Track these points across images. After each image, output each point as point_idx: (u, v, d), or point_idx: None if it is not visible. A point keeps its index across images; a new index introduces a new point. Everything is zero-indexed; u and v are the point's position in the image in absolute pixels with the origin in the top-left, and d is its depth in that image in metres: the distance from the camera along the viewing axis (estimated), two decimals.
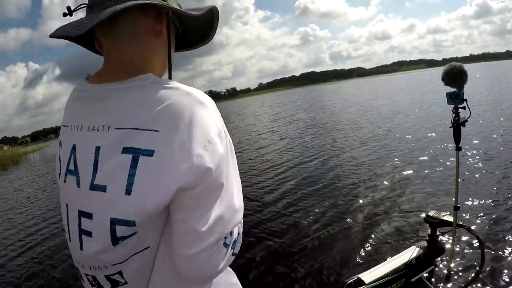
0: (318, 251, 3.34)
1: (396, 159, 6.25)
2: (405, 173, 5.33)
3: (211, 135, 0.56)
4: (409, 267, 2.06)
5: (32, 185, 12.81)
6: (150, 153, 0.52)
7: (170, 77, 0.68)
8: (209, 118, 0.58)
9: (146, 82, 0.57)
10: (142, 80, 0.57)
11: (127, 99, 0.56)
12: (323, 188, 5.24)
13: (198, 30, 0.77)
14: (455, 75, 1.77)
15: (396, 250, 2.96)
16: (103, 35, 0.63)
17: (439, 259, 2.22)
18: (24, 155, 33.87)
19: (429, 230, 2.20)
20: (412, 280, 2.09)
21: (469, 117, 1.86)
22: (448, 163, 5.36)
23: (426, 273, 2.17)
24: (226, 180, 0.59)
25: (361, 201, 4.43)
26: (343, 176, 5.78)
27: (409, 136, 8.23)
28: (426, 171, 5.20)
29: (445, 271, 2.41)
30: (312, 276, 2.92)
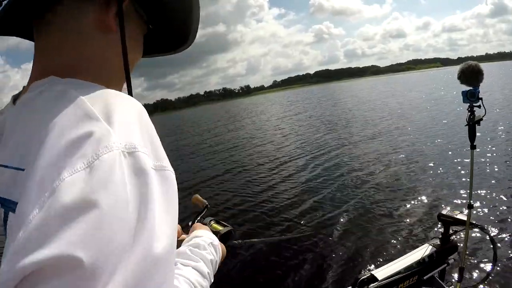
0: (332, 247, 3.40)
1: (410, 158, 6.23)
2: (419, 171, 5.32)
3: None
4: (422, 265, 2.08)
5: None
6: (13, 207, 0.35)
7: (128, 89, 0.49)
8: None
9: (46, 89, 0.40)
10: (42, 87, 0.41)
11: (19, 117, 0.42)
12: (336, 185, 5.29)
13: (175, 26, 0.59)
14: (471, 74, 1.78)
15: (409, 247, 2.98)
16: (35, 31, 0.47)
17: (451, 257, 2.22)
18: None
19: (442, 229, 2.20)
20: (425, 278, 2.10)
21: (484, 115, 1.86)
22: (462, 161, 5.32)
23: (438, 271, 2.18)
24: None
25: (374, 199, 4.45)
26: (356, 173, 5.79)
27: (424, 134, 8.20)
28: (440, 169, 5.17)
29: (458, 270, 2.42)
30: (325, 272, 2.97)
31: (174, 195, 0.38)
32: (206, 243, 0.69)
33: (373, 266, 2.91)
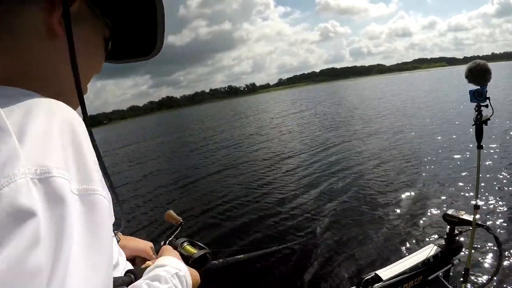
0: (336, 247, 3.39)
1: (416, 157, 6.21)
2: (424, 171, 5.29)
3: None
4: (427, 265, 2.06)
5: None
6: None
7: (80, 100, 0.44)
8: None
9: None
10: None
11: None
12: (339, 184, 5.28)
13: (140, 28, 0.54)
14: (479, 73, 1.76)
15: (414, 247, 2.97)
16: None
17: (456, 258, 2.21)
18: None
19: (448, 229, 2.19)
20: (429, 278, 2.08)
21: (491, 115, 1.84)
22: (468, 161, 5.29)
23: (443, 271, 2.17)
24: None
25: (380, 199, 4.45)
26: (359, 173, 5.78)
27: (430, 134, 8.16)
28: (447, 169, 5.15)
29: (462, 271, 2.40)
30: (330, 271, 2.98)
31: (104, 224, 0.32)
32: (169, 274, 0.59)
33: (378, 265, 2.90)
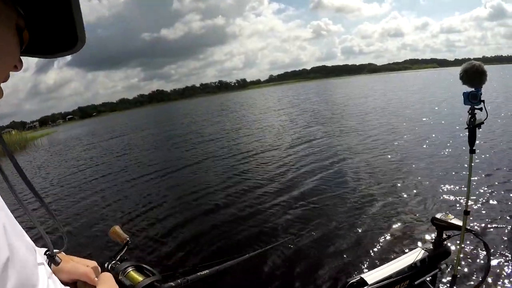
0: (320, 248, 3.31)
1: (406, 159, 6.19)
2: (415, 173, 5.27)
3: None
4: (414, 269, 2.02)
5: (35, 171, 13.08)
6: None
7: None
8: None
9: None
10: None
11: None
12: (328, 185, 5.21)
13: (55, 20, 0.47)
14: (474, 74, 1.70)
15: (401, 251, 2.93)
16: None
17: (443, 262, 2.17)
18: (31, 140, 33.83)
19: (436, 233, 2.15)
20: (416, 283, 2.04)
21: (485, 119, 1.80)
22: (460, 165, 5.27)
23: (430, 276, 2.13)
24: None
25: (367, 199, 4.40)
26: (347, 172, 5.75)
27: (421, 136, 8.14)
28: (438, 172, 5.14)
29: (450, 276, 2.37)
30: (313, 274, 2.89)
31: None
32: None
33: (363, 269, 2.85)
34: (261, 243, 3.59)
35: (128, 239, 0.77)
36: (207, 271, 0.93)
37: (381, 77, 59.68)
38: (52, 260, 0.58)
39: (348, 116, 13.56)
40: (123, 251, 0.73)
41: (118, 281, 0.61)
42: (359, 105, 17.55)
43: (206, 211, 4.86)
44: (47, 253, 0.58)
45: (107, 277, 0.64)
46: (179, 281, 0.80)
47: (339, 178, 5.54)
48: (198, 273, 0.90)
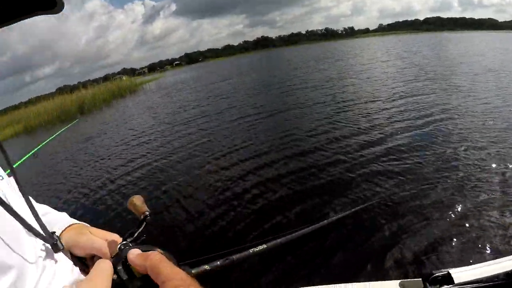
0: (405, 222, 3.06)
1: None
2: None
3: None
4: (510, 279, 1.82)
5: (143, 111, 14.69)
6: None
7: None
8: None
9: None
10: None
11: None
12: (427, 164, 4.60)
13: None
14: None
15: (499, 252, 2.59)
16: None
17: None
18: (141, 84, 35.37)
19: None
20: None
21: None
22: None
23: None
24: None
25: (470, 184, 3.66)
26: (447, 144, 4.94)
27: None
28: None
29: None
30: (399, 259, 2.65)
31: None
32: None
33: (451, 261, 2.57)
34: (339, 206, 3.52)
35: (147, 213, 0.62)
36: (257, 248, 0.83)
37: (502, 35, 48.69)
38: (54, 247, 0.55)
39: (461, 74, 11.88)
40: (140, 229, 0.59)
41: (126, 267, 0.50)
42: (475, 64, 14.86)
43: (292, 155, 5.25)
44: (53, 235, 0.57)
45: (102, 268, 0.50)
46: (218, 262, 0.71)
47: (438, 146, 4.84)
48: (237, 255, 0.78)
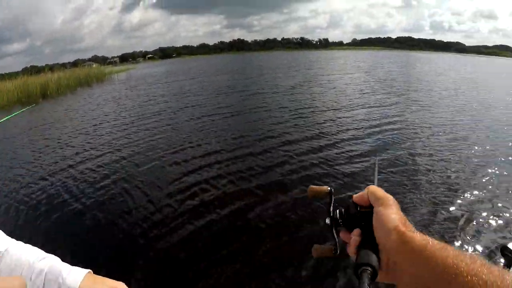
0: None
1: None
2: None
3: None
4: None
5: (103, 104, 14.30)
6: None
7: None
8: None
9: None
10: None
11: None
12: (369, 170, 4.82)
13: None
14: None
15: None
16: None
17: None
18: (110, 74, 34.11)
19: None
20: None
21: None
22: None
23: None
24: None
25: (420, 186, 4.10)
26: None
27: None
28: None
29: None
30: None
31: None
32: None
33: None
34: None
35: (329, 189, 0.63)
36: None
37: (468, 59, 52.79)
38: None
39: (424, 91, 12.64)
40: (332, 201, 0.61)
41: None
42: (439, 82, 15.77)
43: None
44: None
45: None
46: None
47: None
48: None
